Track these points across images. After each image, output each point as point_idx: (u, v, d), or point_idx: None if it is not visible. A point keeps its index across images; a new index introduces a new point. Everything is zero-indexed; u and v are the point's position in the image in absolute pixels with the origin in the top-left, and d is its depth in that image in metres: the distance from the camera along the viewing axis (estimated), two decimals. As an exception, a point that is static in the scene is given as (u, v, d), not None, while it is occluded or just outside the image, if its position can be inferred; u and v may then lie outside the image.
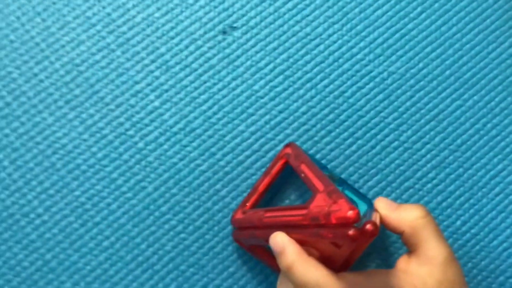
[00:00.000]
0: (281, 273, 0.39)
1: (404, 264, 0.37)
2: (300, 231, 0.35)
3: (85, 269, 0.42)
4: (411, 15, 0.47)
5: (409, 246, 0.37)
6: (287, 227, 0.36)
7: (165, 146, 0.44)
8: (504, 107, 0.47)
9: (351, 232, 0.32)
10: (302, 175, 0.39)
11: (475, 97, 0.47)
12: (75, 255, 0.42)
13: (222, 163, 0.44)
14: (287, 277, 0.36)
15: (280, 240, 0.36)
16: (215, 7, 0.46)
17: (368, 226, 0.32)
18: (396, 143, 0.46)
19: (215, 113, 0.44)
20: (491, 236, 0.45)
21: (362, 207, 0.43)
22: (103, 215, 0.42)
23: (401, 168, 0.46)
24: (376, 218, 0.38)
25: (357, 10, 0.47)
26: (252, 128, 0.45)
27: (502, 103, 0.47)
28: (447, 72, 0.47)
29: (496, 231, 0.46)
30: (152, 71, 0.44)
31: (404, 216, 0.37)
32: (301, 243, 0.36)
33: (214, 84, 0.45)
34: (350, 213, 0.32)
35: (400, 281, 0.35)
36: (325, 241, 0.34)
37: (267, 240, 0.37)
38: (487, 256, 0.45)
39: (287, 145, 0.43)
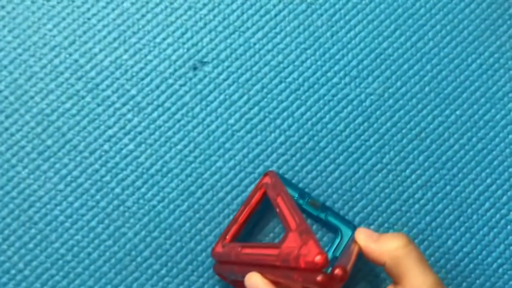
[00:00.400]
0: None
1: None
2: (273, 272, 0.35)
3: (71, 321, 0.41)
4: (385, 33, 0.46)
5: (392, 277, 0.36)
6: (262, 267, 0.36)
7: (143, 190, 0.43)
8: (488, 120, 0.46)
9: (319, 278, 0.31)
10: (277, 209, 0.38)
11: (458, 112, 0.46)
12: (57, 310, 0.41)
13: (202, 201, 0.43)
14: None
15: (253, 281, 0.36)
16: (184, 43, 0.45)
17: (337, 271, 0.32)
18: (379, 165, 0.45)
19: (191, 151, 0.44)
20: (485, 253, 0.44)
21: (347, 232, 0.42)
22: (84, 265, 0.42)
23: (386, 191, 0.45)
24: (354, 249, 0.37)
25: (328, 34, 0.46)
26: (231, 164, 0.44)
27: (486, 116, 0.46)
28: (427, 89, 0.46)
29: (489, 248, 0.44)
30: (124, 114, 0.44)
31: (384, 246, 0.36)
32: (276, 284, 0.35)
33: (188, 121, 0.44)
34: (318, 259, 0.31)
35: None
36: (298, 284, 0.34)
37: (244, 277, 0.37)
38: (482, 274, 0.44)
39: (266, 174, 0.42)
